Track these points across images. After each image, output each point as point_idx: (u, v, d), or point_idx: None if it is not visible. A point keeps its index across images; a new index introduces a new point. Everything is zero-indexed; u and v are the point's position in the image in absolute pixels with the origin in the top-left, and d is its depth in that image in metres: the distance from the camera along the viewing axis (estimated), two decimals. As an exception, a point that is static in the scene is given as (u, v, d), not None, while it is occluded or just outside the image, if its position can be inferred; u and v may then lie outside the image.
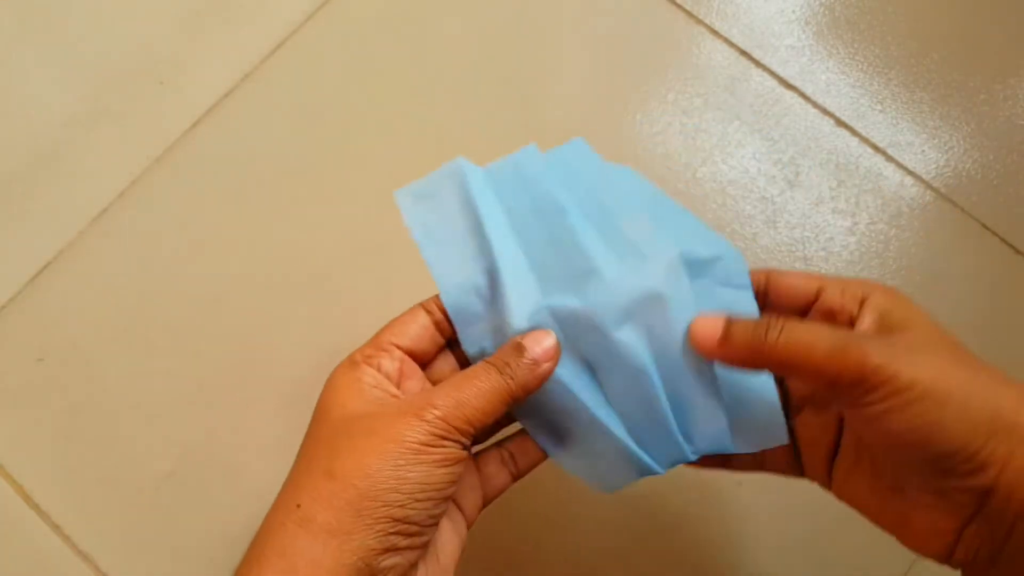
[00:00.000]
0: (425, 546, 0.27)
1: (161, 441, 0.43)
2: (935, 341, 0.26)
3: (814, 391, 0.31)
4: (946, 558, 0.26)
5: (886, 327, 0.27)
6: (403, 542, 0.26)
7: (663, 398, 0.30)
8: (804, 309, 0.30)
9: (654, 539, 0.42)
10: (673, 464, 0.31)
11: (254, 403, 0.44)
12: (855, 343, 0.25)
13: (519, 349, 0.28)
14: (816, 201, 0.47)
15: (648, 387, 0.30)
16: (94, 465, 0.43)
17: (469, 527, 0.31)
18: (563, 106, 0.49)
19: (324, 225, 0.47)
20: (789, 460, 0.31)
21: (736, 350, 0.27)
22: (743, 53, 0.50)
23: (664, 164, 0.48)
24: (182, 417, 0.44)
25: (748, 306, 0.30)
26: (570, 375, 0.30)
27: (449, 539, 0.30)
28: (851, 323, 0.28)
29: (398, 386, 0.29)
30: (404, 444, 0.25)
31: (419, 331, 0.30)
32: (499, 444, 0.33)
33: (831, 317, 0.28)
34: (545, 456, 0.32)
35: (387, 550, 0.25)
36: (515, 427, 0.33)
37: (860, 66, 0.50)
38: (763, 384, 0.30)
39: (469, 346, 0.31)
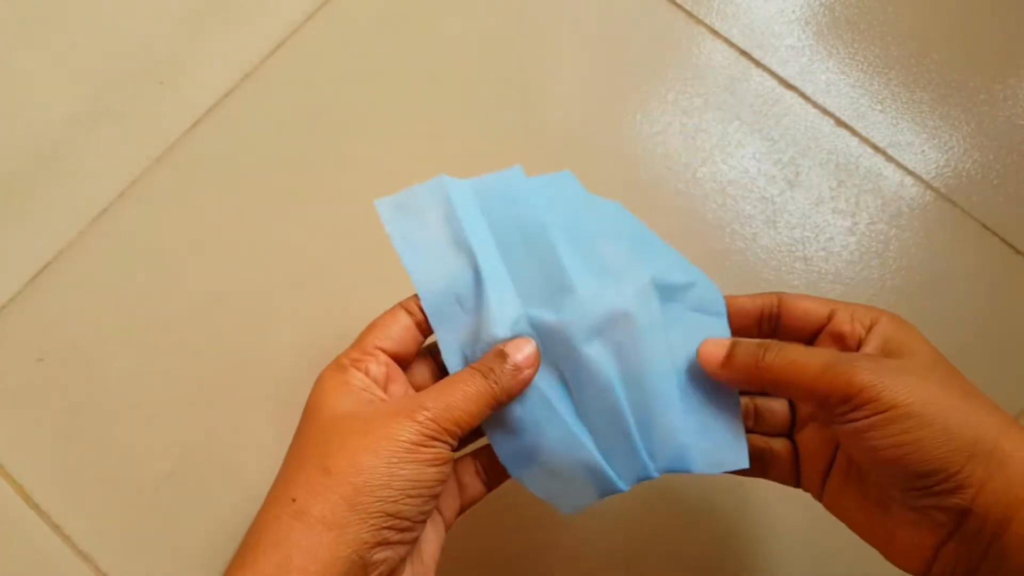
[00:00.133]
0: (414, 542, 0.28)
1: (161, 441, 0.43)
2: (930, 366, 0.27)
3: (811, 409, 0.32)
4: (924, 574, 0.28)
5: (888, 351, 0.28)
6: (395, 536, 0.27)
7: (628, 414, 0.30)
8: (816, 331, 0.31)
9: (654, 539, 0.42)
10: (637, 480, 0.31)
11: (254, 403, 0.44)
12: (844, 364, 0.27)
13: (502, 356, 0.30)
14: (816, 201, 0.47)
15: (614, 402, 0.30)
16: (94, 465, 0.43)
17: (447, 530, 0.32)
18: (563, 106, 0.49)
19: (324, 225, 0.47)
20: (790, 471, 0.33)
21: (737, 371, 0.30)
22: (743, 53, 0.50)
23: (664, 164, 0.48)
24: (182, 417, 0.44)
25: (722, 332, 0.32)
26: (546, 385, 0.31)
27: (431, 539, 0.31)
28: (859, 347, 0.29)
29: (384, 390, 0.30)
30: (397, 443, 0.27)
31: (401, 332, 0.31)
32: (474, 455, 0.34)
33: (840, 340, 0.30)
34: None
35: (380, 543, 0.26)
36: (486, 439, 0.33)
37: (860, 66, 0.50)
38: (730, 409, 0.31)
39: (447, 351, 0.31)
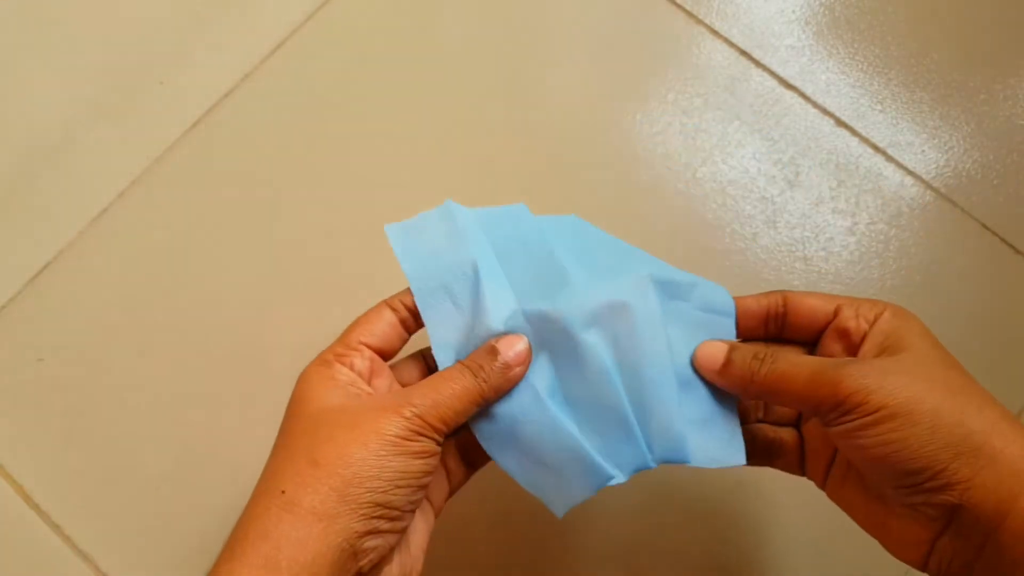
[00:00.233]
0: (404, 531, 0.29)
1: (161, 441, 0.43)
2: (924, 363, 0.28)
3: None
4: (922, 566, 0.28)
5: (886, 347, 0.29)
6: (385, 525, 0.27)
7: (626, 402, 0.31)
8: (822, 328, 0.31)
9: (654, 539, 0.42)
10: (636, 470, 0.31)
11: (254, 403, 0.44)
12: (832, 371, 0.27)
13: (493, 353, 0.30)
14: (816, 201, 0.47)
15: (611, 391, 0.31)
16: (94, 465, 0.43)
17: (436, 516, 0.32)
18: (563, 106, 0.49)
19: (324, 225, 0.47)
20: (796, 460, 0.33)
21: (733, 379, 0.30)
22: (743, 53, 0.50)
23: (664, 164, 0.48)
24: (182, 417, 0.44)
25: (727, 332, 0.32)
26: (535, 375, 0.31)
27: (419, 529, 0.31)
28: (862, 342, 0.30)
29: (368, 383, 0.30)
30: (384, 437, 0.27)
31: (386, 329, 0.31)
32: (455, 438, 0.34)
33: (845, 336, 0.30)
34: None
35: (370, 532, 0.27)
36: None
37: (860, 66, 0.50)
38: (729, 405, 0.32)
39: (437, 345, 0.32)
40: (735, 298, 0.33)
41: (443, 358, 0.31)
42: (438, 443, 0.28)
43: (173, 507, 0.42)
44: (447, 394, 0.29)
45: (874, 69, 0.50)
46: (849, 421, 0.27)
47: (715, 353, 0.31)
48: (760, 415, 0.34)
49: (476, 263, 0.32)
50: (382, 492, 0.26)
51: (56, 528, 0.42)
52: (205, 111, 0.49)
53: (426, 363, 0.34)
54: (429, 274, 0.32)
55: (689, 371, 0.32)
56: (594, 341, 0.31)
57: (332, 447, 0.27)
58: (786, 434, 0.33)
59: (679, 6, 0.51)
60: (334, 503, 0.26)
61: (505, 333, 0.31)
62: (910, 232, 0.47)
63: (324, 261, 0.46)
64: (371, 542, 0.27)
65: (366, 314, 0.32)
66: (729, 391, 0.31)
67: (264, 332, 0.45)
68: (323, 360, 0.30)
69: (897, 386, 0.26)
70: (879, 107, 0.49)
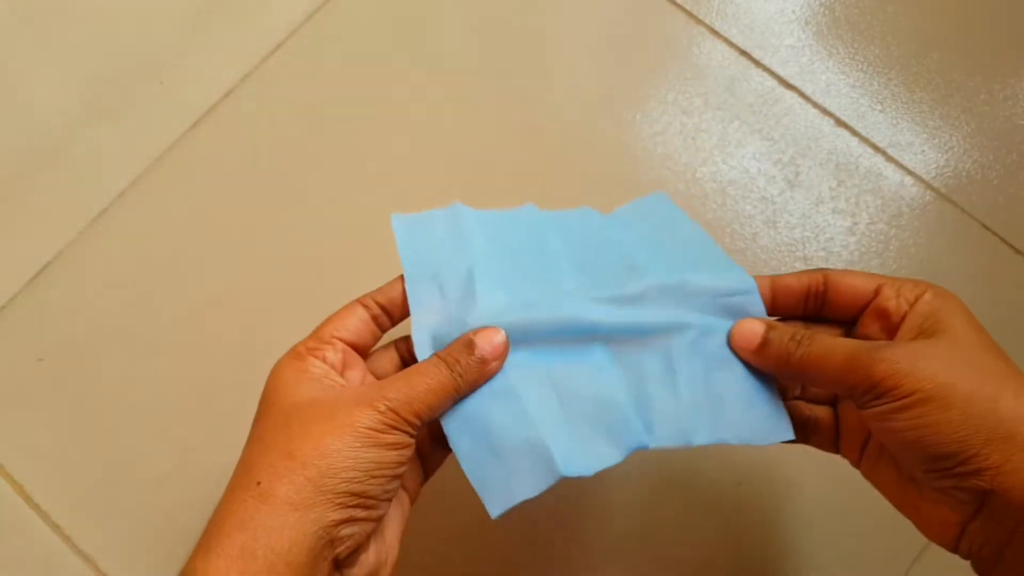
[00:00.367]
0: (380, 519, 0.29)
1: (161, 441, 0.43)
2: (963, 347, 0.28)
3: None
4: (953, 548, 0.28)
5: (924, 329, 0.29)
6: (361, 514, 0.27)
7: (623, 392, 0.31)
8: (862, 307, 0.31)
9: (654, 539, 0.42)
10: (632, 449, 0.31)
11: (253, 403, 0.44)
12: (866, 355, 0.27)
13: (470, 347, 0.30)
14: (816, 201, 0.47)
15: (603, 377, 0.31)
16: (94, 465, 0.43)
17: (412, 503, 0.32)
18: (563, 106, 0.49)
19: (324, 225, 0.47)
20: (831, 439, 0.33)
21: (769, 359, 0.31)
22: (743, 53, 0.50)
23: (664, 164, 0.48)
24: (182, 417, 0.44)
25: (758, 309, 0.32)
26: (514, 368, 0.31)
27: (394, 517, 0.31)
28: (901, 323, 0.30)
29: (342, 375, 0.30)
30: (358, 429, 0.27)
31: (358, 324, 0.32)
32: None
33: (885, 316, 0.30)
34: None
35: (346, 521, 0.27)
36: None
37: (860, 66, 0.50)
38: (769, 384, 0.32)
39: (417, 330, 0.32)
40: (774, 276, 0.33)
41: (421, 340, 0.31)
42: (412, 435, 0.29)
43: (173, 507, 0.42)
44: (422, 389, 0.29)
45: (874, 69, 0.50)
46: (882, 404, 0.27)
47: (751, 333, 0.31)
48: (797, 392, 0.34)
49: (472, 267, 0.32)
50: (358, 482, 0.27)
51: (56, 528, 0.42)
52: (205, 111, 0.49)
53: (399, 354, 0.34)
54: (424, 264, 0.32)
55: (726, 351, 0.32)
56: (589, 331, 0.31)
57: (307, 439, 0.27)
58: (821, 412, 0.33)
59: (679, 6, 0.51)
60: (310, 493, 0.26)
61: (484, 326, 0.31)
62: (910, 232, 0.47)
63: (324, 261, 0.46)
64: (347, 530, 0.27)
65: (338, 311, 0.32)
66: (765, 370, 0.31)
67: (264, 332, 0.45)
68: (296, 353, 0.30)
69: (930, 370, 0.26)
70: (879, 107, 0.49)
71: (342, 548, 0.27)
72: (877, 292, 0.31)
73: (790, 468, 0.43)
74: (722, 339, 0.32)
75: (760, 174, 0.48)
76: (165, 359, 0.45)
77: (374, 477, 0.27)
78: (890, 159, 0.48)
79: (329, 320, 0.32)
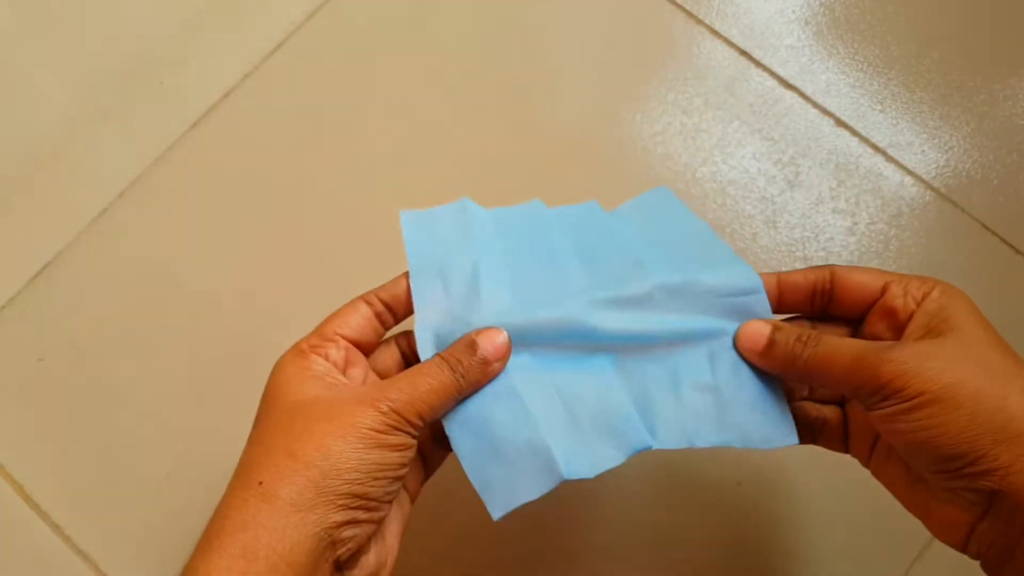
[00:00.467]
0: (381, 521, 0.29)
1: (161, 441, 0.43)
2: (970, 346, 0.27)
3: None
4: (962, 549, 0.28)
5: (932, 328, 0.28)
6: (363, 516, 0.27)
7: (625, 395, 0.31)
8: (869, 305, 0.31)
9: (654, 539, 0.42)
10: (635, 451, 0.30)
11: (254, 403, 0.44)
12: (873, 356, 0.27)
13: (472, 347, 0.30)
14: (816, 201, 0.48)
15: (606, 379, 0.31)
16: (94, 465, 0.43)
17: (412, 502, 0.32)
18: (563, 106, 0.49)
19: (324, 225, 0.47)
20: (840, 439, 0.33)
21: (775, 361, 0.30)
22: (743, 53, 0.50)
23: (664, 164, 0.48)
24: (182, 417, 0.44)
25: (764, 308, 0.32)
26: (517, 369, 0.31)
27: (394, 518, 0.31)
28: (908, 322, 0.30)
29: (344, 373, 0.30)
30: (360, 430, 0.27)
31: (361, 322, 0.31)
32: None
33: (892, 315, 0.30)
34: None
35: (348, 523, 0.27)
36: None
37: (860, 66, 0.50)
38: (775, 387, 0.32)
39: (421, 325, 0.32)
40: (781, 273, 0.33)
41: (423, 337, 0.31)
42: (414, 436, 0.29)
43: (173, 507, 0.42)
44: (424, 389, 0.28)
45: (874, 69, 0.50)
46: (889, 406, 0.27)
47: (757, 335, 0.31)
48: (804, 393, 0.34)
49: (477, 263, 0.32)
50: (359, 484, 0.27)
51: (56, 528, 0.42)
52: (205, 111, 0.49)
53: (400, 349, 0.34)
54: (429, 259, 0.32)
55: (732, 354, 0.32)
56: (592, 338, 0.31)
57: (309, 439, 0.27)
58: (830, 412, 0.33)
59: (679, 6, 0.51)
60: (312, 494, 0.26)
61: (487, 327, 0.30)
62: (910, 232, 0.47)
63: (325, 260, 0.46)
64: (349, 532, 0.27)
65: (341, 308, 0.32)
66: (771, 372, 0.31)
67: (265, 331, 0.45)
68: (298, 350, 0.30)
69: (937, 371, 0.26)
70: (879, 107, 0.49)
71: (343, 550, 0.27)
72: (884, 290, 0.30)
73: (791, 468, 0.43)
74: (728, 342, 0.32)
75: (760, 174, 0.48)
76: (165, 359, 0.45)
77: (376, 479, 0.27)
78: (890, 159, 0.48)
79: (332, 317, 0.31)
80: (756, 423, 0.31)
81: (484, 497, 0.30)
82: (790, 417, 0.31)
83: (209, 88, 0.49)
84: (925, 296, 0.29)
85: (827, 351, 0.29)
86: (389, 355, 0.33)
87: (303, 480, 0.26)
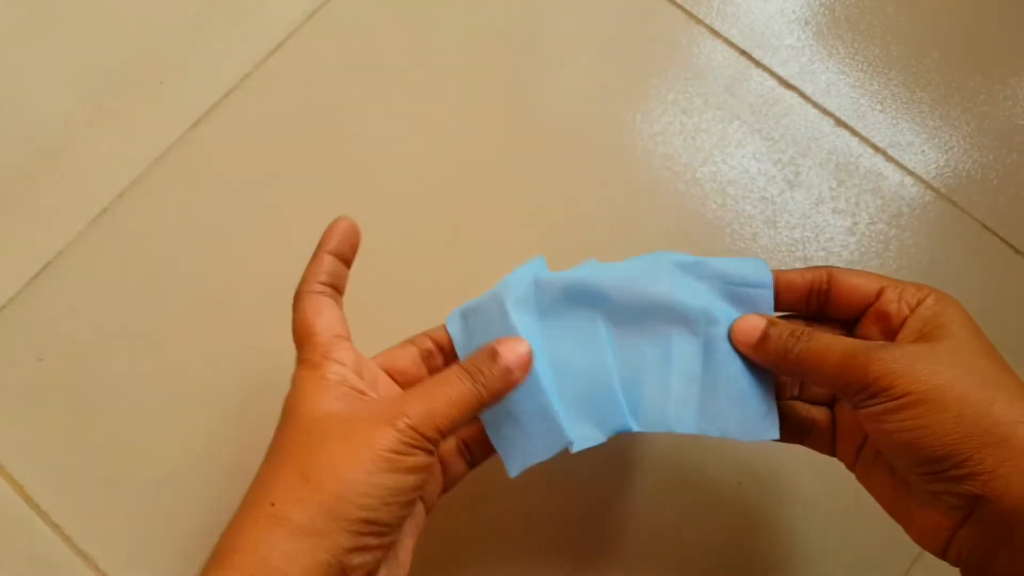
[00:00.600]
0: (392, 545, 0.29)
1: (161, 441, 0.43)
2: (961, 352, 0.28)
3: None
4: (942, 554, 0.28)
5: (924, 334, 0.29)
6: (374, 541, 0.27)
7: (615, 373, 0.32)
8: (864, 308, 0.31)
9: (654, 538, 0.42)
10: (615, 431, 0.32)
11: (254, 403, 0.44)
12: (863, 354, 0.27)
13: (493, 356, 0.29)
14: (816, 201, 0.47)
15: (599, 355, 0.32)
16: (94, 465, 0.43)
17: (428, 513, 0.32)
18: (563, 106, 0.49)
19: (324, 225, 0.47)
20: (827, 440, 0.33)
21: (768, 355, 0.31)
22: (743, 53, 0.50)
23: (664, 164, 0.48)
24: (182, 417, 0.44)
25: (766, 305, 0.32)
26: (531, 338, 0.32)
27: (407, 532, 0.31)
28: (901, 327, 0.30)
29: (358, 372, 0.30)
30: (376, 452, 0.26)
31: (336, 314, 0.32)
32: (459, 432, 0.34)
33: (885, 320, 0.30)
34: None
35: (358, 549, 0.26)
36: None
37: (860, 66, 0.50)
38: (765, 382, 0.32)
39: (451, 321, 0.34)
40: (778, 271, 0.33)
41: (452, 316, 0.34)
42: (431, 452, 0.28)
43: (173, 507, 0.42)
44: (444, 401, 0.28)
45: (874, 69, 0.50)
46: (876, 404, 0.27)
47: (752, 328, 0.31)
48: (795, 392, 0.34)
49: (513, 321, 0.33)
50: (372, 509, 0.26)
51: (56, 528, 0.42)
52: (205, 111, 0.49)
53: (417, 349, 0.34)
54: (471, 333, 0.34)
55: (726, 344, 0.32)
56: (593, 315, 0.32)
57: (324, 459, 0.26)
58: (819, 413, 0.33)
59: (679, 6, 0.51)
60: (324, 519, 0.26)
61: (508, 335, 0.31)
62: (910, 232, 0.47)
63: (324, 261, 0.46)
64: (359, 558, 0.26)
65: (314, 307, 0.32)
66: (763, 366, 0.31)
67: (264, 332, 0.45)
68: (312, 363, 0.30)
69: (926, 373, 0.26)
70: (879, 107, 0.49)
71: None
72: (879, 294, 0.30)
73: (791, 468, 0.43)
74: (724, 331, 0.32)
75: (760, 174, 0.48)
76: (165, 359, 0.45)
77: (388, 504, 0.27)
78: (890, 159, 0.48)
79: (310, 314, 0.32)
80: (738, 416, 0.31)
81: (503, 455, 0.32)
82: (775, 413, 0.32)
83: (209, 88, 0.49)
84: (919, 302, 0.29)
85: (819, 347, 0.29)
86: (407, 356, 0.33)
87: (315, 504, 0.26)
